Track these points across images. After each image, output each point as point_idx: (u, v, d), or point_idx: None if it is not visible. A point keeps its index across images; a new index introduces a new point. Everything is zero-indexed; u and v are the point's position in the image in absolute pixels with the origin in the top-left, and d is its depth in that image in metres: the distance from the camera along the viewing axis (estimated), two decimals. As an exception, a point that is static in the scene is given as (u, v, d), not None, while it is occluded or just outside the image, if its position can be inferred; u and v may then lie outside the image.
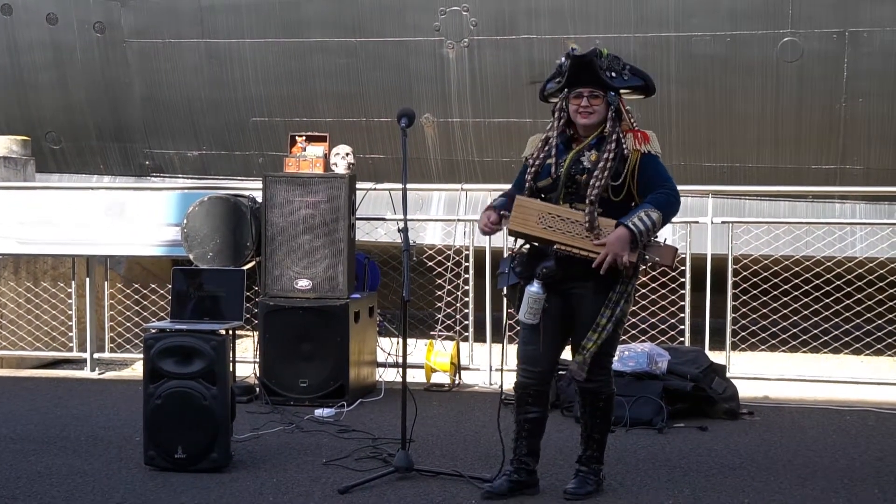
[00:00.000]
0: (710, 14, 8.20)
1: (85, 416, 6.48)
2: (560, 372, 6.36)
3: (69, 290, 8.45)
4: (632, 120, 4.74)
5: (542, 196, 4.73)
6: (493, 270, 7.43)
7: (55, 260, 8.77)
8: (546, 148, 4.74)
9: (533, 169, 4.75)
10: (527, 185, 4.77)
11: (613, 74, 4.65)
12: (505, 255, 4.91)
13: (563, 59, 4.68)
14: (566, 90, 4.71)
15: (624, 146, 4.63)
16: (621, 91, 4.71)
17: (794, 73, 8.17)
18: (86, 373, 8.12)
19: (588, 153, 4.66)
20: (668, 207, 4.59)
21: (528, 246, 4.79)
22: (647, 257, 4.59)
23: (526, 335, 4.81)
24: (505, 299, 7.25)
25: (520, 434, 4.87)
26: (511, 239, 4.88)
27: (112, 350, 8.42)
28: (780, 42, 8.12)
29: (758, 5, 8.13)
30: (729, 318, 7.37)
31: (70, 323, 8.43)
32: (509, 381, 6.45)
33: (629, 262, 4.54)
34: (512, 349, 7.75)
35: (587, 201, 4.57)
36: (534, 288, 4.65)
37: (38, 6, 9.49)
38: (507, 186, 5.15)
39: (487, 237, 7.54)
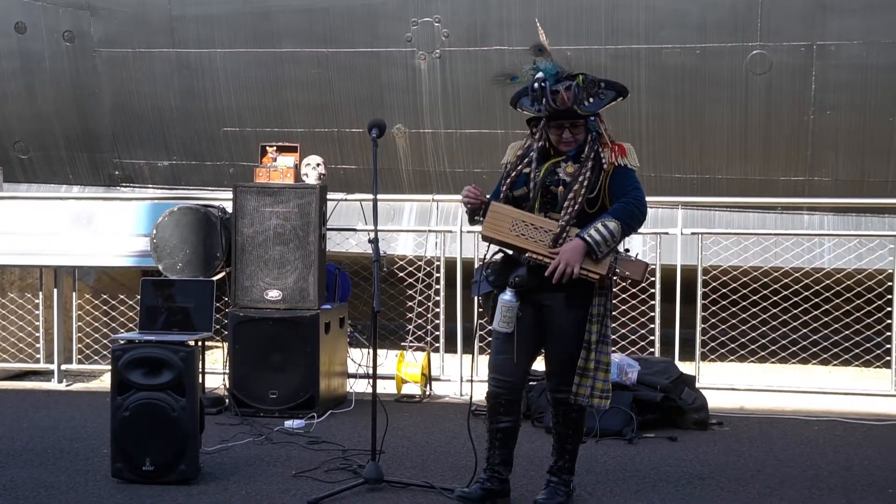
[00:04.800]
0: (680, 26, 8.25)
1: (51, 427, 6.43)
2: (531, 382, 6.39)
3: (37, 301, 8.37)
4: (608, 133, 4.76)
5: (518, 204, 4.74)
6: (464, 281, 7.44)
7: (23, 270, 8.68)
8: (525, 158, 4.75)
9: (510, 178, 4.77)
10: (502, 193, 4.78)
11: (592, 100, 4.64)
12: (477, 265, 4.91)
13: (536, 85, 4.63)
14: (545, 119, 4.68)
15: (602, 159, 4.65)
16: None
17: (763, 86, 8.23)
18: (53, 384, 8.05)
19: (565, 164, 4.68)
20: (629, 217, 4.59)
21: (500, 254, 4.80)
22: (616, 270, 4.60)
23: (498, 345, 4.80)
24: (476, 309, 7.29)
25: (492, 443, 4.87)
26: (483, 248, 4.89)
27: (80, 361, 8.36)
28: (749, 54, 8.18)
29: (727, 18, 8.19)
30: (699, 329, 7.41)
31: (37, 334, 8.35)
32: (479, 392, 6.46)
33: (597, 274, 4.54)
34: (482, 360, 7.76)
35: (563, 219, 4.59)
36: (507, 296, 4.65)
37: (6, 15, 9.41)
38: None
39: (458, 247, 7.59)
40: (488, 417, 4.88)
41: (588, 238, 4.51)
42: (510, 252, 4.75)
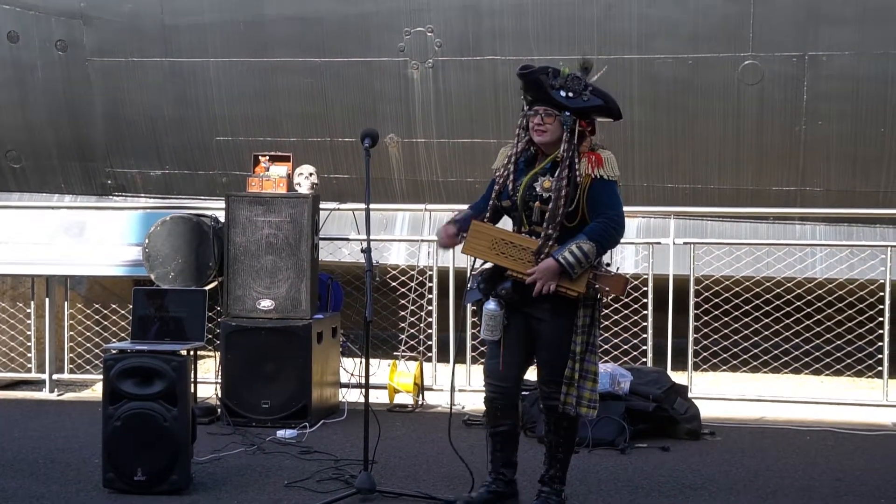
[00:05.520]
0: (672, 37, 8.26)
1: (43, 437, 6.40)
2: (524, 392, 6.39)
3: (28, 311, 8.36)
4: (593, 140, 4.76)
5: (507, 214, 4.82)
6: (457, 291, 7.44)
7: (14, 280, 8.67)
8: (508, 165, 4.79)
9: (497, 187, 4.83)
10: (490, 202, 4.85)
11: (571, 95, 4.64)
12: (468, 275, 4.95)
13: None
14: (526, 107, 4.76)
15: (577, 171, 4.64)
16: (590, 114, 4.71)
17: (755, 96, 8.24)
18: (44, 394, 8.03)
19: (542, 179, 4.70)
20: (604, 237, 4.62)
21: (489, 264, 4.84)
22: (596, 287, 4.63)
23: (490, 351, 4.89)
24: (468, 319, 7.30)
25: (494, 447, 4.93)
26: (471, 258, 4.94)
27: (71, 371, 8.34)
28: (741, 65, 8.20)
29: (719, 28, 8.20)
30: (691, 339, 7.42)
31: (29, 343, 8.33)
32: (471, 402, 6.47)
33: (575, 291, 4.58)
34: (475, 369, 7.77)
35: (543, 235, 4.63)
36: (490, 306, 4.74)
37: (-2, 24, 9.41)
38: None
39: (451, 256, 7.59)
40: (487, 422, 4.94)
41: (562, 260, 4.56)
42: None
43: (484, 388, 4.94)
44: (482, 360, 7.80)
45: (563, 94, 4.63)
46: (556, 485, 4.90)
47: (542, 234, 4.63)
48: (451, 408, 5.60)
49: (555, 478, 4.90)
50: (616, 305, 7.75)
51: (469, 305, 4.99)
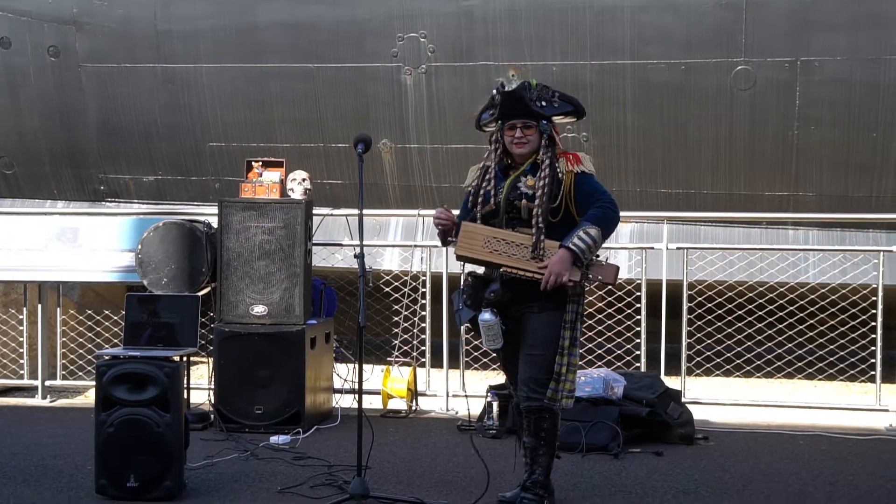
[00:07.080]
0: (665, 42, 8.28)
1: (35, 444, 6.38)
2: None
3: (21, 317, 8.34)
4: (560, 145, 4.86)
5: (486, 222, 4.87)
6: (450, 296, 7.43)
7: (7, 286, 8.66)
8: (486, 177, 4.88)
9: (473, 197, 4.91)
10: (471, 213, 4.90)
11: (544, 103, 4.84)
12: (461, 281, 4.97)
13: (494, 91, 4.88)
14: (500, 122, 4.86)
15: (558, 169, 4.78)
16: (554, 117, 4.88)
17: (748, 101, 8.27)
18: (37, 400, 8.01)
19: (525, 178, 4.82)
20: (606, 221, 4.76)
21: (471, 277, 4.89)
22: (590, 276, 4.74)
23: (501, 361, 5.05)
24: (462, 326, 7.29)
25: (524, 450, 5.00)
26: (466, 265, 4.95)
27: (64, 377, 8.31)
28: (734, 70, 8.22)
29: (711, 34, 8.23)
30: (684, 344, 7.42)
31: (21, 350, 8.31)
32: (464, 408, 6.48)
33: (572, 281, 4.66)
34: (469, 375, 7.76)
35: (533, 228, 4.71)
36: (485, 316, 4.77)
37: (-9, 30, 9.40)
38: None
39: (444, 261, 7.59)
40: (520, 427, 5.00)
41: (573, 247, 4.65)
42: (482, 271, 4.87)
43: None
44: (476, 366, 7.83)
45: (538, 104, 4.83)
46: (540, 490, 4.87)
47: (533, 228, 4.70)
48: (470, 415, 5.58)
49: (537, 483, 4.87)
50: (609, 311, 7.75)
51: (463, 326, 5.06)
